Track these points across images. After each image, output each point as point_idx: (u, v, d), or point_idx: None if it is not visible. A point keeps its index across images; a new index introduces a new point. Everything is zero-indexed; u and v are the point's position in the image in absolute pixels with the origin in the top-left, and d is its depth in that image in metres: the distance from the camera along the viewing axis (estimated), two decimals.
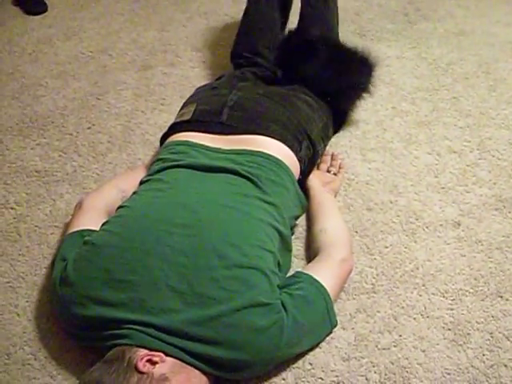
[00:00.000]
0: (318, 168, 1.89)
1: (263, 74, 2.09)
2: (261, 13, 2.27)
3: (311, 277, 1.47)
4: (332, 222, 1.68)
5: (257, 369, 1.36)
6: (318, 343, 1.48)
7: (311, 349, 1.47)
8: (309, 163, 1.79)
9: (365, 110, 2.18)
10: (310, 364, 1.45)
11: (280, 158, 1.67)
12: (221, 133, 1.71)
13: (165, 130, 1.84)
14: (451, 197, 1.85)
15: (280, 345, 1.34)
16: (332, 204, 1.76)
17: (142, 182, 1.66)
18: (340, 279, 1.54)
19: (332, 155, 1.95)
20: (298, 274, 1.50)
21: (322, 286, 1.46)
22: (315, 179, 1.82)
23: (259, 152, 1.66)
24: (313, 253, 1.63)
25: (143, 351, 1.28)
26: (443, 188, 1.88)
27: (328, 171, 1.90)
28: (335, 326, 1.50)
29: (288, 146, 1.71)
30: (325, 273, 1.51)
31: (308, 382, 1.42)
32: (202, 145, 1.68)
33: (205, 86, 2.02)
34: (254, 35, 2.24)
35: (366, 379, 1.42)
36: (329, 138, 1.99)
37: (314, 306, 1.43)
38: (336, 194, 1.85)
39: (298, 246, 1.71)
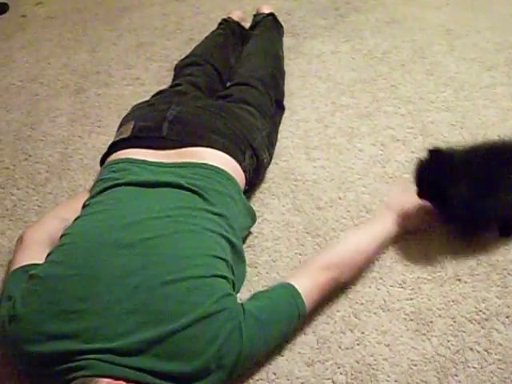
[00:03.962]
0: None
1: (208, 84, 2.08)
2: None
3: (282, 282, 1.45)
4: (355, 234, 1.64)
5: (223, 376, 1.31)
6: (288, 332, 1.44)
7: (274, 358, 1.43)
8: (254, 172, 1.77)
9: (304, 108, 2.16)
10: (274, 374, 1.41)
11: (224, 168, 1.63)
12: (162, 147, 1.67)
13: (105, 150, 1.79)
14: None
15: (242, 348, 1.31)
16: (379, 224, 1.65)
17: (84, 206, 1.61)
18: (318, 284, 1.46)
19: None
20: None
21: (290, 284, 1.43)
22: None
23: (202, 163, 1.62)
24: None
25: (104, 380, 1.23)
26: (391, 178, 1.87)
27: None
28: (304, 313, 1.43)
29: (231, 156, 1.68)
30: (299, 275, 1.47)
31: None
32: (144, 160, 1.64)
33: (141, 103, 1.98)
34: (214, 51, 2.30)
35: (333, 382, 1.39)
36: (274, 146, 1.97)
37: (276, 300, 1.41)
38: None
39: (250, 254, 1.67)
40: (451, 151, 1.57)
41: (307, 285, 1.44)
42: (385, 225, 1.64)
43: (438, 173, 1.54)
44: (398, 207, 1.66)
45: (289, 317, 1.42)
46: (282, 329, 1.42)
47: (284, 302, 1.41)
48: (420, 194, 1.59)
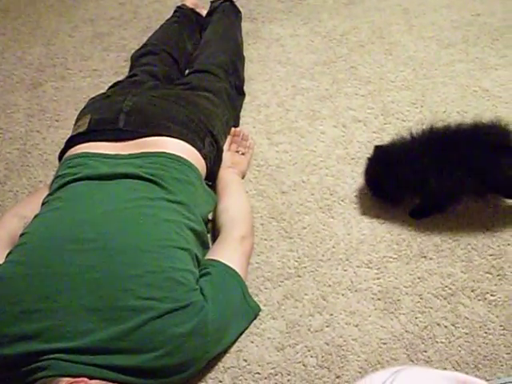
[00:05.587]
0: (229, 148, 1.87)
1: (165, 72, 2.06)
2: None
3: (223, 264, 1.46)
4: (234, 201, 1.68)
5: (188, 370, 1.32)
6: (244, 330, 1.46)
7: (244, 344, 1.43)
8: (215, 159, 1.76)
9: (264, 93, 2.15)
10: (245, 360, 1.40)
11: (183, 155, 1.62)
12: (119, 139, 1.65)
13: (63, 146, 1.76)
14: (362, 166, 1.83)
15: (207, 343, 1.32)
16: (237, 184, 1.77)
17: (43, 204, 1.58)
18: (244, 256, 1.55)
19: (242, 135, 1.93)
20: (210, 262, 1.48)
21: (235, 271, 1.46)
22: (224, 160, 1.81)
23: (160, 152, 1.61)
24: (216, 232, 1.62)
25: (65, 380, 1.21)
26: (353, 159, 1.87)
27: (237, 151, 1.88)
28: (258, 310, 1.49)
29: (189, 144, 1.67)
30: (229, 253, 1.51)
31: (245, 379, 1.37)
32: (100, 154, 1.62)
33: (97, 96, 1.94)
34: (169, 39, 2.28)
35: (304, 365, 1.39)
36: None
37: (231, 294, 1.43)
38: (244, 174, 1.85)
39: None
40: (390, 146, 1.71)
41: (239, 263, 1.50)
42: (235, 179, 1.78)
43: (378, 170, 1.70)
44: (229, 163, 1.83)
45: (240, 303, 1.46)
46: (238, 322, 1.45)
47: (234, 292, 1.44)
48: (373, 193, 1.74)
